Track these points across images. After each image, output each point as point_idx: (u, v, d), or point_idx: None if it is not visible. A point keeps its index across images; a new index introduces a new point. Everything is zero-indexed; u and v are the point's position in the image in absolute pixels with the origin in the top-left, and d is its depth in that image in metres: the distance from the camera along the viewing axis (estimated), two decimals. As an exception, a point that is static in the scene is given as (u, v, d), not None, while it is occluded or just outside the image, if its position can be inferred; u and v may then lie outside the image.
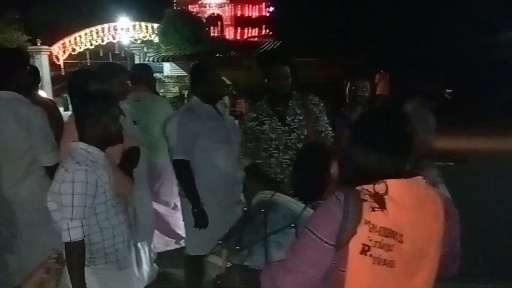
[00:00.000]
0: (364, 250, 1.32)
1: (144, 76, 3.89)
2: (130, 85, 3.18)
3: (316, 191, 1.92)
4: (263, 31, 20.94)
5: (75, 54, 19.71)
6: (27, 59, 3.10)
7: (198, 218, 2.82)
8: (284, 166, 2.73)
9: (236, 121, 3.27)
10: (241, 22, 23.01)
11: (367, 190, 1.35)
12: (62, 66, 18.53)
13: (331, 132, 2.92)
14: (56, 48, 19.23)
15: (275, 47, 18.15)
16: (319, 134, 2.84)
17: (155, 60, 18.56)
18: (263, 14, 21.89)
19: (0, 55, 2.91)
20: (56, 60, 19.07)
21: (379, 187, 1.34)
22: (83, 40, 19.49)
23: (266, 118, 2.80)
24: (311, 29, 13.37)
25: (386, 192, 1.33)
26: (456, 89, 13.92)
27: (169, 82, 18.93)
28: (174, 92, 18.77)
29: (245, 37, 21.90)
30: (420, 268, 1.38)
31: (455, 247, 1.49)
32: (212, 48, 18.43)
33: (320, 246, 1.35)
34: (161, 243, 3.85)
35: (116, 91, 2.83)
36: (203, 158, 2.85)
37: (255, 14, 23.12)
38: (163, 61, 18.91)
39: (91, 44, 19.56)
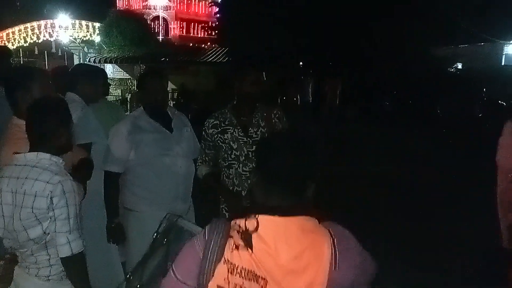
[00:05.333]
0: None
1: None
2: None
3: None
4: (210, 36, 20.82)
5: (7, 52, 18.46)
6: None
7: (112, 233, 2.72)
8: (243, 178, 2.62)
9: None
10: (187, 26, 22.73)
11: (238, 225, 1.19)
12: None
13: None
14: (-15, 44, 17.88)
15: (222, 53, 18.12)
16: None
17: (97, 62, 17.79)
18: (210, 19, 21.74)
19: None
20: (-16, 57, 17.71)
21: (250, 223, 1.18)
22: (16, 36, 18.38)
23: (229, 127, 2.69)
24: (259, 38, 13.42)
25: (256, 230, 1.17)
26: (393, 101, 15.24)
27: (111, 85, 18.26)
28: (116, 95, 18.10)
29: (191, 42, 21.61)
30: None
31: None
32: (157, 52, 18.02)
33: (180, 287, 1.23)
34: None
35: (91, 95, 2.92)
36: (141, 170, 2.70)
37: (201, 18, 22.93)
38: (105, 62, 18.18)
39: (25, 42, 18.47)
